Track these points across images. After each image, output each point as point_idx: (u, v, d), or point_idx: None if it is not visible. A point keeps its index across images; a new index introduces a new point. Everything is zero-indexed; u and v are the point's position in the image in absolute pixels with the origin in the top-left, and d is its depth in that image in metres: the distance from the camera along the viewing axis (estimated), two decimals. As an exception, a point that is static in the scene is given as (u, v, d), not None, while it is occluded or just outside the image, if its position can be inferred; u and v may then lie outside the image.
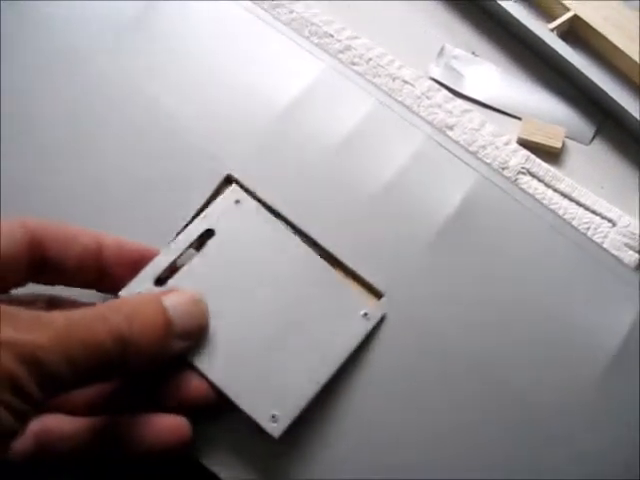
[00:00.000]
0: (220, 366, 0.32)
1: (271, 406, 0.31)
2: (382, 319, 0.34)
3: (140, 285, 0.33)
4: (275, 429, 0.31)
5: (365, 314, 0.34)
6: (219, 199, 0.36)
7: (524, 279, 0.36)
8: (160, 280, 0.33)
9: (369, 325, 0.34)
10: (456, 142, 0.39)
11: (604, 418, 0.33)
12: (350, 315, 0.34)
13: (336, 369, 0.33)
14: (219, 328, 0.33)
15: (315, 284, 0.34)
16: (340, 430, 0.33)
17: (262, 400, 0.32)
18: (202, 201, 0.36)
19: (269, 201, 0.36)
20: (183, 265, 0.34)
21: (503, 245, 0.36)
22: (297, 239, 0.35)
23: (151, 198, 0.36)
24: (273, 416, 0.31)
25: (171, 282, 0.33)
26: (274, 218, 0.36)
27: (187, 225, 0.35)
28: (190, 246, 0.34)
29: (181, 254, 0.34)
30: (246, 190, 0.36)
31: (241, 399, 0.32)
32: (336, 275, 0.35)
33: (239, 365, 0.32)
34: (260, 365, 0.32)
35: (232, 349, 0.32)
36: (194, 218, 0.35)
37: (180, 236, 0.35)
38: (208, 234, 0.35)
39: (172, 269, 0.34)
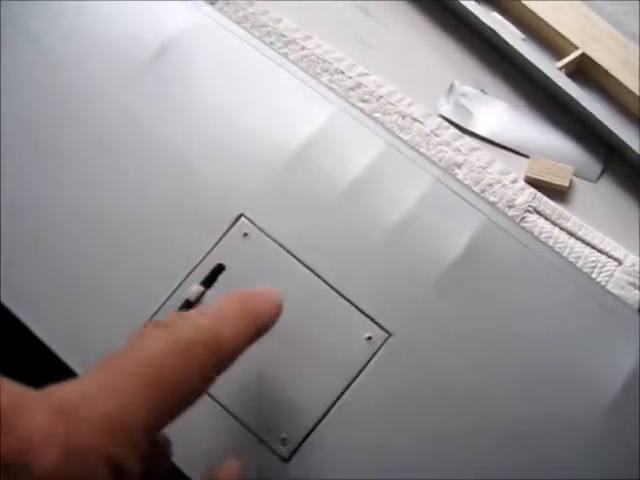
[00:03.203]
0: (235, 395, 0.36)
1: (281, 430, 0.36)
2: (386, 343, 0.39)
3: None
4: (285, 451, 0.36)
5: (369, 337, 0.39)
6: (228, 234, 0.40)
7: (527, 321, 0.39)
8: (177, 316, 0.38)
9: (373, 348, 0.38)
10: (463, 184, 0.43)
11: (605, 455, 0.37)
12: (354, 338, 0.39)
13: (341, 392, 0.37)
14: None
15: (320, 309, 0.39)
16: (342, 451, 0.37)
17: (273, 425, 0.37)
18: (215, 239, 0.40)
19: (279, 239, 0.40)
20: (197, 301, 0.38)
21: (507, 288, 0.40)
22: (302, 267, 0.40)
23: (164, 237, 0.40)
24: (283, 439, 0.37)
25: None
26: (280, 248, 0.40)
27: (200, 263, 0.39)
28: (203, 282, 0.39)
29: (195, 291, 0.38)
30: (256, 226, 0.41)
31: (254, 425, 0.37)
32: (340, 300, 0.39)
33: (252, 393, 0.36)
34: (271, 391, 0.37)
35: (245, 377, 0.38)
36: (206, 256, 0.39)
37: (193, 274, 0.39)
38: (219, 269, 0.39)
39: (187, 305, 0.38)
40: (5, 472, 0.22)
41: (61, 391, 0.25)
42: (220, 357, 0.29)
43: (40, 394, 0.25)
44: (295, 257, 0.40)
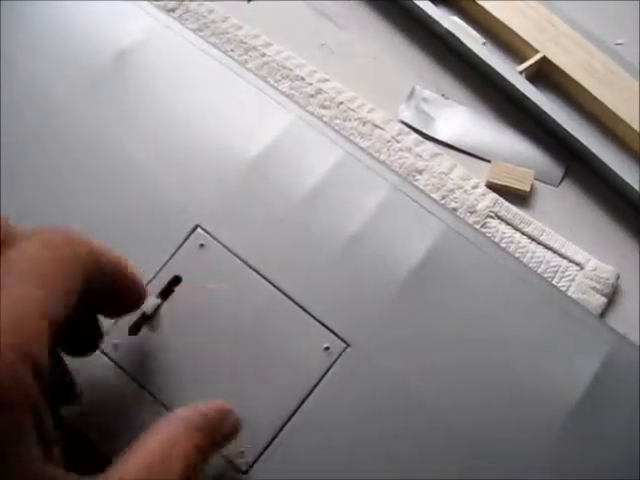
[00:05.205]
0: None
1: (238, 442, 0.36)
2: (344, 353, 0.39)
3: (117, 336, 0.38)
4: (243, 464, 0.37)
5: (327, 348, 0.39)
6: (184, 245, 0.40)
7: (487, 329, 0.40)
8: (134, 329, 0.38)
9: (331, 359, 0.39)
10: (422, 191, 0.44)
11: (564, 467, 0.37)
12: (312, 349, 0.39)
13: (299, 403, 0.38)
14: (189, 368, 0.38)
15: (277, 319, 0.40)
16: (301, 462, 0.37)
17: None
18: (171, 251, 0.41)
19: (236, 250, 0.41)
20: (154, 313, 0.38)
21: (467, 296, 0.40)
22: (259, 277, 0.40)
23: (121, 248, 0.40)
24: (241, 451, 0.37)
25: (144, 330, 0.38)
26: (237, 259, 0.41)
27: (156, 274, 0.39)
28: (159, 295, 0.39)
29: (152, 304, 0.38)
30: (212, 237, 0.41)
31: None
32: (298, 310, 0.40)
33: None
34: (228, 403, 0.37)
35: (201, 389, 0.38)
36: (162, 268, 0.40)
37: (149, 286, 0.39)
38: (176, 280, 0.40)
39: (144, 318, 0.38)
40: None
41: None
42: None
43: None
44: (252, 268, 0.40)
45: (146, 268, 0.40)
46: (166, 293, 0.40)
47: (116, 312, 0.36)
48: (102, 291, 0.32)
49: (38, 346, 0.27)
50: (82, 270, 0.30)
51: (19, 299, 0.27)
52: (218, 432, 0.33)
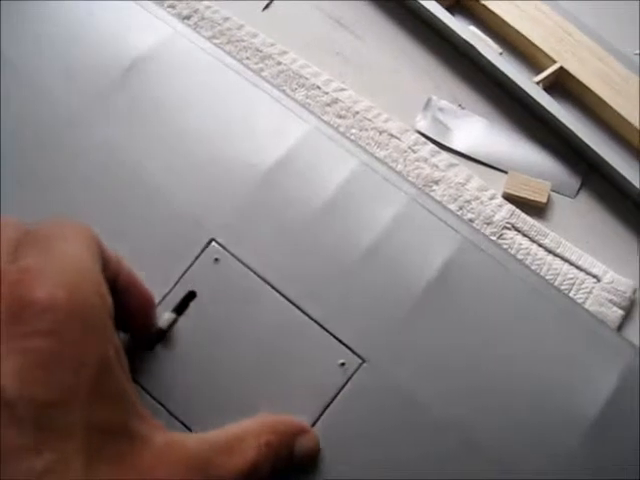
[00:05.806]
0: (207, 425, 0.36)
1: None
2: (360, 369, 0.38)
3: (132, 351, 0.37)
4: None
5: (342, 364, 0.38)
6: (199, 260, 0.40)
7: (504, 343, 0.39)
8: (150, 343, 0.38)
9: (346, 375, 0.38)
10: (439, 202, 0.43)
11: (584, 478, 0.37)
12: (327, 365, 0.38)
13: (314, 420, 0.37)
14: (203, 383, 0.38)
15: (293, 335, 0.39)
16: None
17: None
18: (185, 265, 0.41)
19: (251, 264, 0.40)
20: (169, 329, 0.38)
21: (484, 309, 0.40)
22: (274, 292, 0.40)
23: (135, 264, 0.40)
24: None
25: (159, 346, 0.38)
26: (252, 273, 0.40)
27: (171, 290, 0.39)
28: (175, 310, 0.39)
29: (167, 319, 0.38)
30: (227, 251, 0.41)
31: None
32: (313, 326, 0.39)
33: (224, 422, 0.36)
34: (242, 420, 0.36)
35: (216, 403, 0.38)
36: (177, 283, 0.39)
37: (164, 301, 0.39)
38: (191, 296, 0.40)
39: (159, 333, 0.38)
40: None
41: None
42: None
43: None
44: (267, 282, 0.40)
45: (161, 283, 0.40)
46: (181, 308, 0.39)
47: (127, 318, 0.36)
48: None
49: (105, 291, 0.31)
50: (98, 247, 0.33)
51: (74, 256, 0.31)
52: (290, 440, 0.35)
